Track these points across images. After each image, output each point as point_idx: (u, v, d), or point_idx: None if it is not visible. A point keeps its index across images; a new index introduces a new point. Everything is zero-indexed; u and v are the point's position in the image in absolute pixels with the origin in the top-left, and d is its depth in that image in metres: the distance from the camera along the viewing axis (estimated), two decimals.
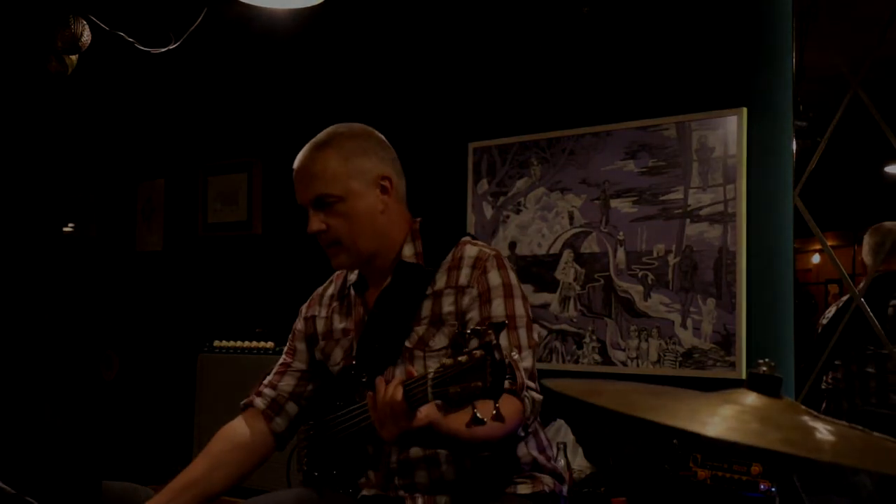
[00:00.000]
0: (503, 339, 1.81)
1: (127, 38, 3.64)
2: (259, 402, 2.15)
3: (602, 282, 3.19)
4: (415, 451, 1.89)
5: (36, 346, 3.87)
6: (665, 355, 3.04)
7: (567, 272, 3.28)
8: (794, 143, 2.81)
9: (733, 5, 3.01)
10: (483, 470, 1.91)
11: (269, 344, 3.60)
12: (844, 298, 2.80)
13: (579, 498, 2.86)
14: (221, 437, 2.13)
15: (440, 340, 1.89)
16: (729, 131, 2.97)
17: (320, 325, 2.12)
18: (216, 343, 3.79)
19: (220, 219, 4.43)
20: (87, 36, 3.56)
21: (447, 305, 1.90)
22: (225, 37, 4.07)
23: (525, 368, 1.82)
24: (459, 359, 1.50)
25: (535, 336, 1.94)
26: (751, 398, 1.13)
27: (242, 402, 2.17)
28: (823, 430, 1.05)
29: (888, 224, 2.83)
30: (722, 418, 1.07)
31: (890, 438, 1.10)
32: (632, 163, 3.15)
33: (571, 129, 3.31)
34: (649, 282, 3.09)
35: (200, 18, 3.56)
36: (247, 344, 3.71)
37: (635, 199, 3.14)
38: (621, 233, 3.16)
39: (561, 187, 3.32)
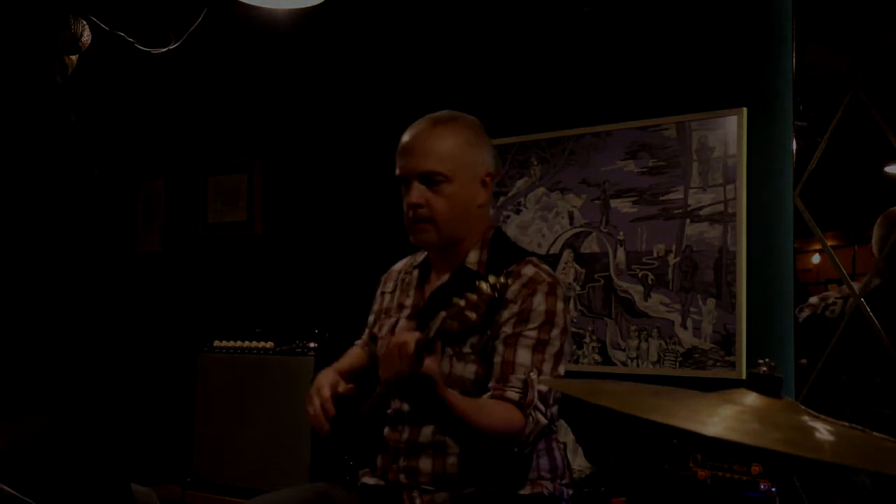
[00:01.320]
0: (525, 355, 1.85)
1: (127, 38, 3.64)
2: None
3: (602, 282, 3.19)
4: (424, 436, 1.91)
5: (38, 346, 3.86)
6: (665, 355, 3.04)
7: (567, 272, 3.28)
8: (794, 143, 2.81)
9: (733, 5, 3.01)
10: (486, 471, 1.91)
11: (269, 344, 3.59)
12: (833, 294, 2.81)
13: (579, 498, 2.86)
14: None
15: (470, 346, 1.91)
16: (729, 131, 2.97)
17: (386, 301, 2.18)
18: (216, 343, 3.79)
19: (220, 219, 4.43)
20: (87, 36, 3.56)
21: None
22: (225, 37, 4.07)
23: (539, 391, 1.83)
24: (468, 295, 1.59)
25: (561, 370, 1.92)
26: (751, 398, 1.13)
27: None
28: (823, 430, 1.05)
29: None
30: (721, 418, 1.07)
31: (890, 438, 1.10)
32: (632, 163, 3.16)
33: (571, 129, 3.31)
34: (649, 282, 3.09)
35: (200, 18, 3.56)
36: (247, 344, 3.71)
37: (635, 199, 3.14)
38: (621, 233, 3.16)
39: (561, 187, 3.32)
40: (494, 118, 3.60)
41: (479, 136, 2.02)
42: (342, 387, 1.95)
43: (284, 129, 4.20)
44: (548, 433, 1.93)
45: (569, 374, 3.18)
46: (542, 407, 1.83)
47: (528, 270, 1.94)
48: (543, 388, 1.85)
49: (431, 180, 1.93)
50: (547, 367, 1.87)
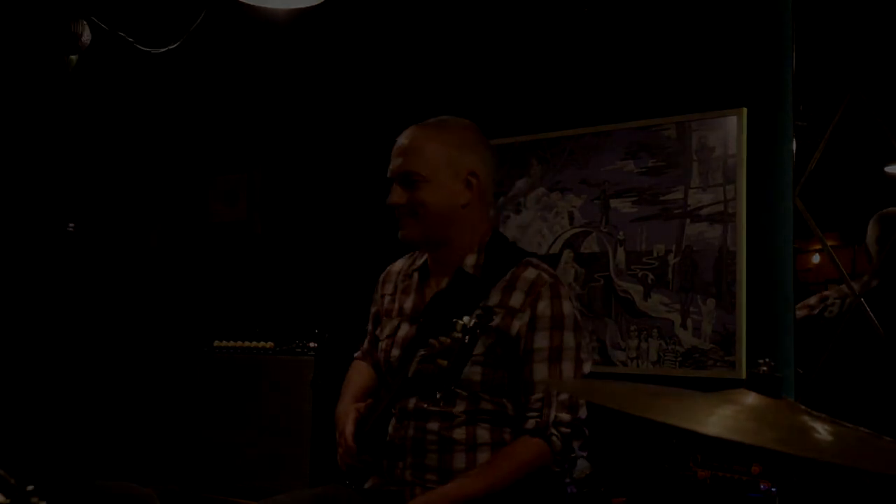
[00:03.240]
0: (542, 372, 1.88)
1: (127, 38, 3.64)
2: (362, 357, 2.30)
3: (602, 282, 3.19)
4: (430, 432, 1.94)
5: (37, 345, 3.87)
6: (665, 355, 3.04)
7: (567, 272, 3.28)
8: (794, 143, 2.81)
9: (733, 5, 3.01)
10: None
11: (269, 344, 3.60)
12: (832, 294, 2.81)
13: (579, 498, 2.86)
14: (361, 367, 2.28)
15: (477, 348, 1.91)
16: (729, 131, 2.97)
17: (386, 302, 2.19)
18: (216, 343, 3.79)
19: (221, 219, 4.43)
20: (86, 36, 3.56)
21: (495, 320, 1.91)
22: (226, 37, 4.07)
23: (562, 402, 1.86)
24: (441, 339, 1.73)
25: (587, 368, 1.95)
26: (750, 398, 1.13)
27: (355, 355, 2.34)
28: (822, 431, 1.05)
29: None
30: (720, 418, 1.07)
31: (889, 438, 1.10)
32: (632, 163, 3.15)
33: (571, 129, 3.31)
34: (649, 282, 3.09)
35: (201, 18, 3.56)
36: (247, 344, 3.71)
37: (635, 199, 3.14)
38: (621, 233, 3.16)
39: (561, 187, 3.31)
40: (495, 118, 3.61)
41: (464, 138, 2.06)
42: (361, 407, 2.02)
43: (285, 130, 4.20)
44: (580, 436, 1.96)
45: None
46: (566, 417, 1.87)
47: (530, 274, 1.96)
48: (565, 396, 1.87)
49: (410, 181, 1.99)
50: (567, 373, 1.90)
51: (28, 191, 4.24)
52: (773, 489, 2.28)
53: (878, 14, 2.77)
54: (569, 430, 1.88)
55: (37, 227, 4.34)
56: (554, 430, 1.85)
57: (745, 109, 2.95)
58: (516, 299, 1.93)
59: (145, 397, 4.50)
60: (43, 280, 4.12)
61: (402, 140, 2.05)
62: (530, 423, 1.88)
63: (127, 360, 4.60)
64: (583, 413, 1.91)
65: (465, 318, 1.74)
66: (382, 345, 2.11)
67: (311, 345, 3.45)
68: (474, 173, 2.01)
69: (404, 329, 2.06)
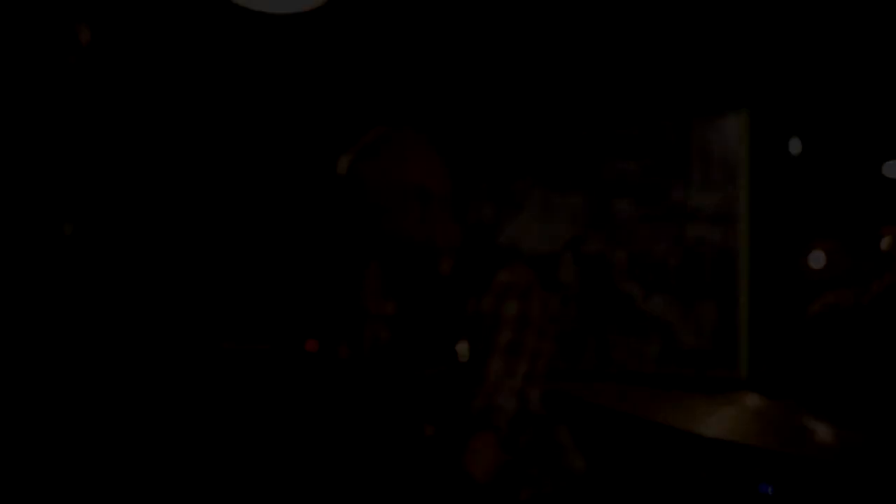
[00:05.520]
0: (498, 363, 1.85)
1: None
2: None
3: (602, 282, 3.19)
4: None
5: (37, 346, 3.87)
6: (665, 355, 3.04)
7: (567, 272, 3.28)
8: (794, 143, 2.82)
9: (735, 7, 3.01)
10: None
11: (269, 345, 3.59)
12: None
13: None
14: None
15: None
16: (730, 132, 2.97)
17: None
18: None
19: None
20: (86, 36, 3.56)
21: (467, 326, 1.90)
22: (224, 37, 4.07)
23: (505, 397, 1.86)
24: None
25: (540, 367, 1.93)
26: (751, 399, 1.13)
27: None
28: (822, 431, 1.06)
29: None
30: (720, 419, 1.07)
31: (888, 439, 1.11)
32: (633, 163, 3.16)
33: (571, 129, 3.31)
34: (649, 282, 3.09)
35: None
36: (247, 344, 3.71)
37: (635, 199, 3.14)
38: (621, 233, 3.16)
39: (561, 187, 3.32)
40: (495, 118, 3.60)
41: (403, 153, 2.00)
42: None
43: (282, 129, 4.20)
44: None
45: (569, 374, 3.19)
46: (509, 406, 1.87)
47: (502, 276, 1.91)
48: (509, 400, 1.86)
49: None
50: (522, 368, 1.87)
51: (27, 192, 4.24)
52: (770, 490, 2.28)
53: (878, 14, 2.77)
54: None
55: (35, 228, 4.34)
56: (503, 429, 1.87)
57: (745, 110, 2.95)
58: (486, 304, 1.88)
59: (147, 398, 4.50)
60: (43, 281, 4.12)
61: (344, 171, 2.01)
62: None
63: (126, 360, 4.60)
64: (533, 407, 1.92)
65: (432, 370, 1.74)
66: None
67: None
68: (424, 186, 1.93)
69: (384, 333, 2.05)
